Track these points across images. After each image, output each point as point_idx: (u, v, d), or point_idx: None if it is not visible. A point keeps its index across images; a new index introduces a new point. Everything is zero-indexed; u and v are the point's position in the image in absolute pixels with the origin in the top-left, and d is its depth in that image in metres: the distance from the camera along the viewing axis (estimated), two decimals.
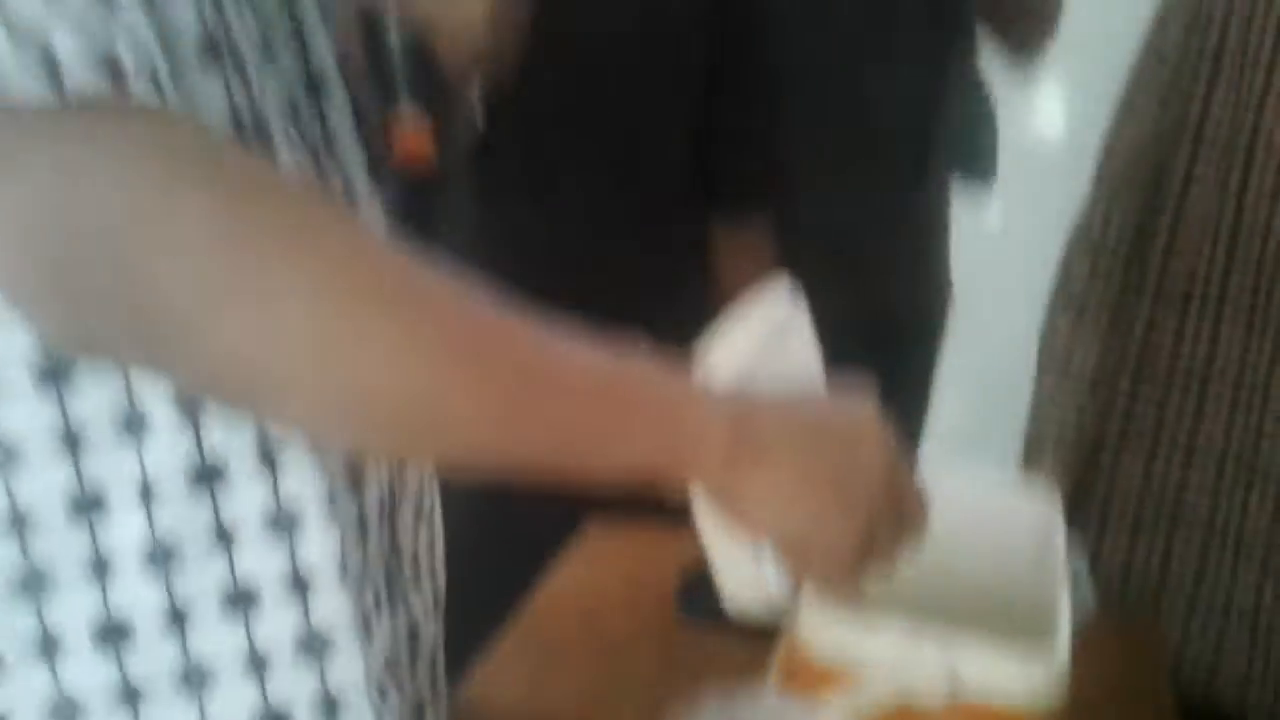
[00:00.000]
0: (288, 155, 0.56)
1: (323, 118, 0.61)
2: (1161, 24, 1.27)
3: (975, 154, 1.59)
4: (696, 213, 1.35)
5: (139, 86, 0.46)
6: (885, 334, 1.55)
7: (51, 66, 0.44)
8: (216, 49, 0.52)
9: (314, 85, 0.60)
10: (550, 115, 1.01)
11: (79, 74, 0.44)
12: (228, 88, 0.52)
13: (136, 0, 0.47)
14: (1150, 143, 1.27)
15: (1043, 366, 1.37)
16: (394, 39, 0.62)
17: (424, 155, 0.61)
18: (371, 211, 0.63)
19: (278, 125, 0.56)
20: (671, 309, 1.05)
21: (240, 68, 0.53)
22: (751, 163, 1.37)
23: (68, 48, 0.44)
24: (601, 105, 1.21)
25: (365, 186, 0.63)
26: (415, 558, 0.66)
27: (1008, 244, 2.20)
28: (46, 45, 0.44)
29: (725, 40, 1.32)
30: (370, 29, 0.61)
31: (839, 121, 1.48)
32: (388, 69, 0.61)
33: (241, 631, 0.55)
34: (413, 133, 0.60)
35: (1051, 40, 1.51)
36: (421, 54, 0.61)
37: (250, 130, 0.53)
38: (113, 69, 0.45)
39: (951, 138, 1.54)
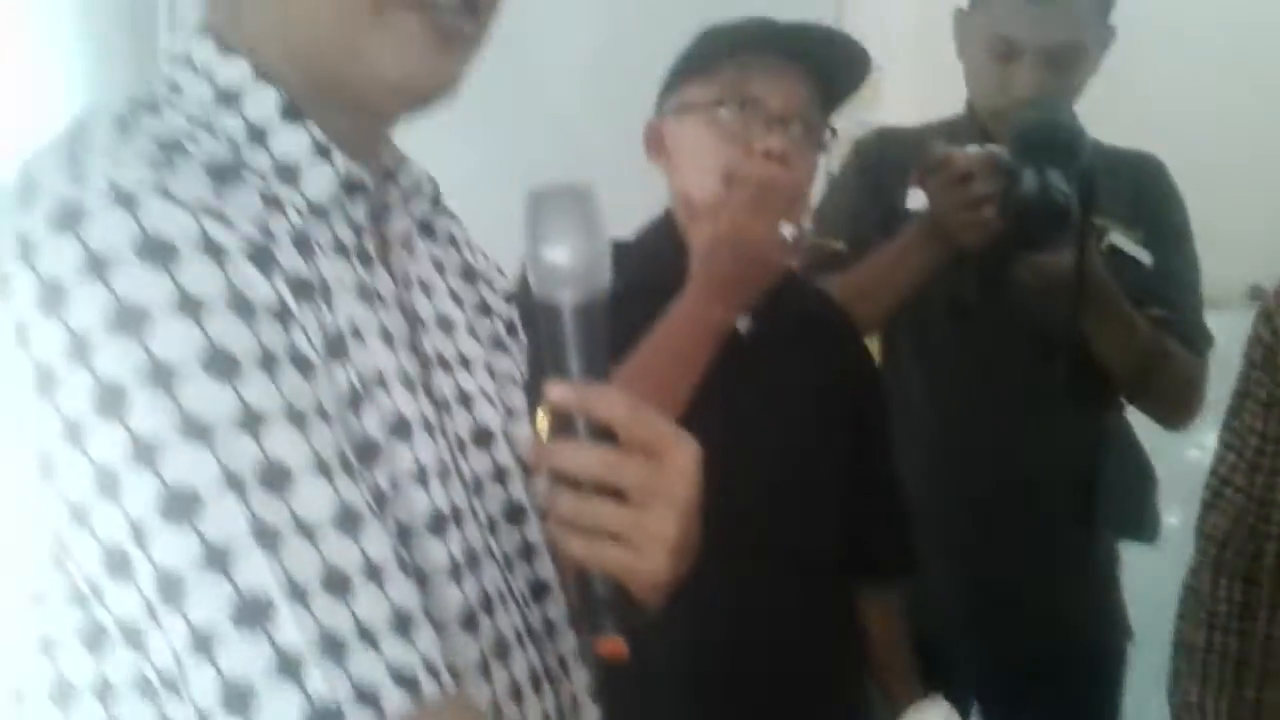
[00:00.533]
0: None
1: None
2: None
3: (1135, 512, 1.69)
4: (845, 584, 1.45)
5: (429, 688, 0.60)
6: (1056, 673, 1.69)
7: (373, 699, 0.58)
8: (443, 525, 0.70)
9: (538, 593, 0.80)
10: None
11: (394, 700, 0.58)
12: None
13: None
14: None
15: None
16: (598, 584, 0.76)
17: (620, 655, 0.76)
18: None
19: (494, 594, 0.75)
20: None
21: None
22: (895, 533, 1.47)
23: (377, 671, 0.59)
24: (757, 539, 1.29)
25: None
26: None
27: None
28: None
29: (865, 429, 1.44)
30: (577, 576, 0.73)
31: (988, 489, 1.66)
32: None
33: None
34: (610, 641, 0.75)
35: (1194, 415, 1.66)
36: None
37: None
38: (411, 684, 0.59)
39: (1109, 497, 1.64)
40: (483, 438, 0.79)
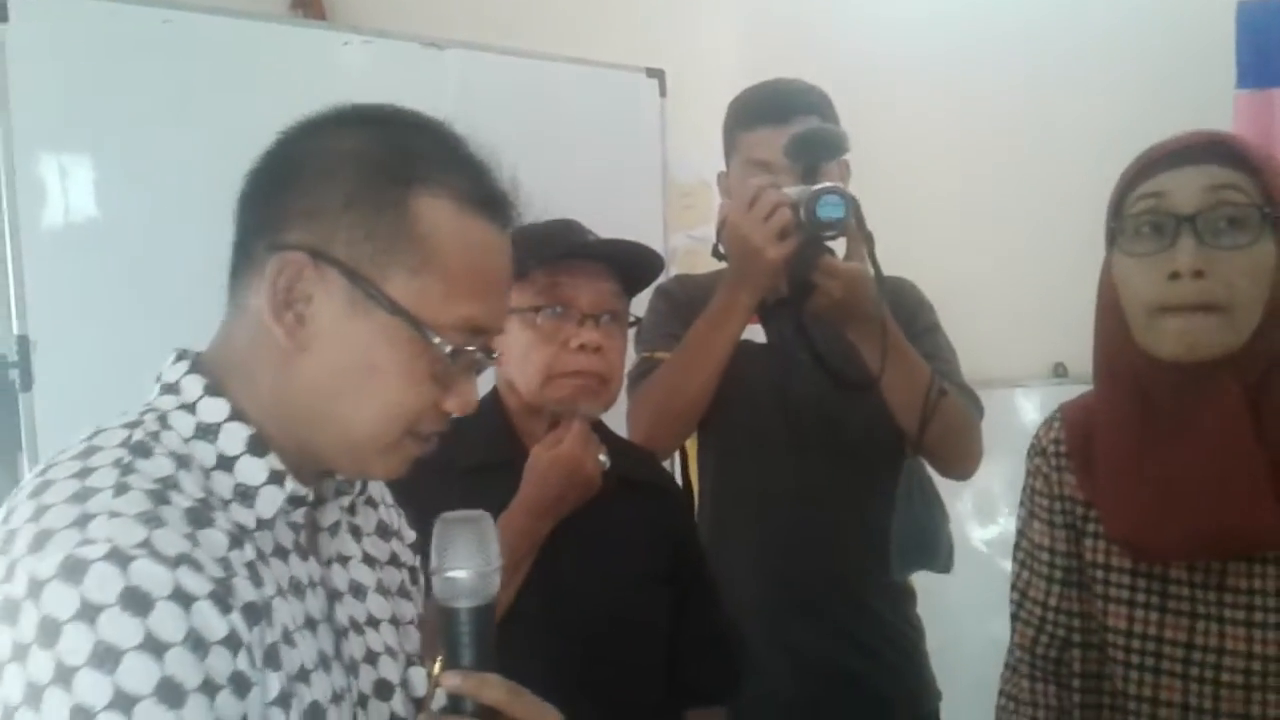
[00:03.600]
0: None
1: None
2: None
3: (931, 545, 1.79)
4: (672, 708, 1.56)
5: None
6: None
7: None
8: None
9: None
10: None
11: None
12: None
13: None
14: None
15: None
16: None
17: None
18: None
19: None
20: None
21: None
22: (721, 661, 1.60)
23: None
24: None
25: None
26: None
27: None
28: None
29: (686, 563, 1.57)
30: None
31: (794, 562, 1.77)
32: None
33: None
34: None
35: (976, 465, 1.77)
36: None
37: None
38: None
39: (906, 533, 1.74)
40: (384, 691, 0.95)
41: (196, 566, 0.77)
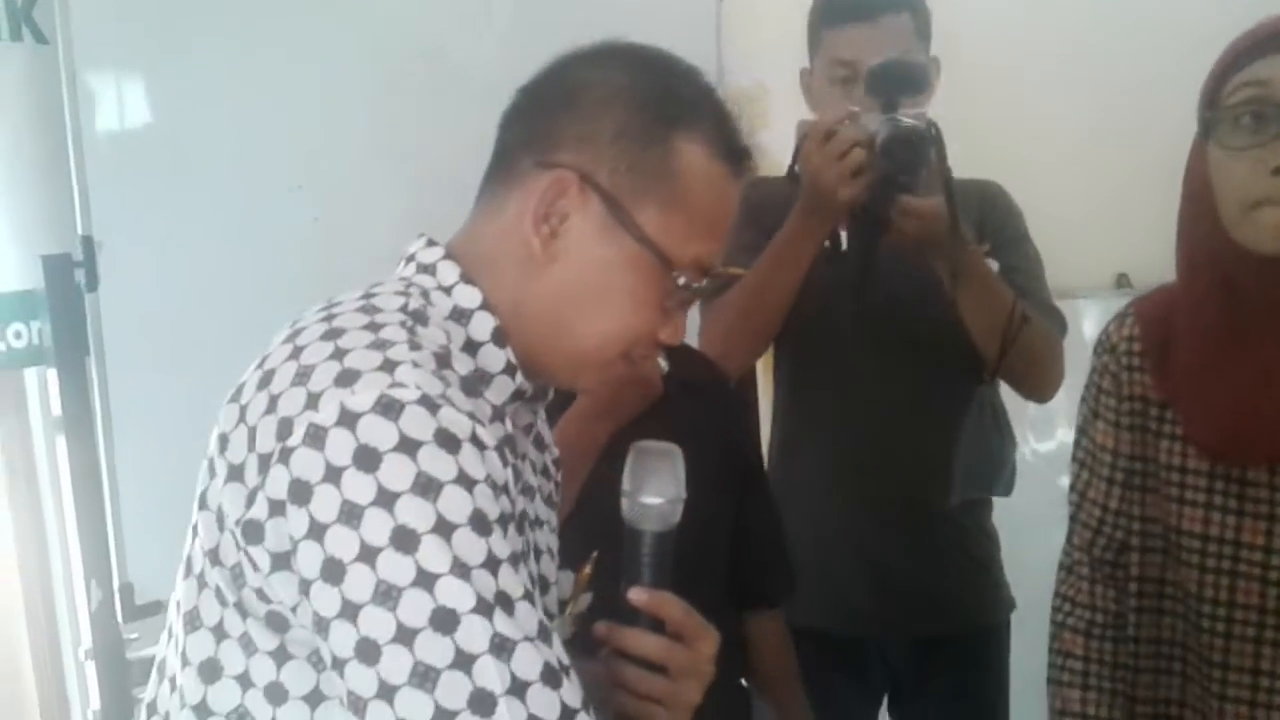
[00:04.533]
0: None
1: None
2: None
3: (993, 470, 1.83)
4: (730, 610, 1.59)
5: None
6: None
7: None
8: None
9: None
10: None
11: None
12: None
13: None
14: None
15: None
16: None
17: None
18: None
19: None
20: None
21: None
22: (778, 564, 1.66)
23: None
24: None
25: None
26: None
27: None
28: None
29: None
30: None
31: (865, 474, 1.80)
32: None
33: None
34: None
35: (1056, 387, 1.78)
36: None
37: None
38: None
39: (970, 456, 1.78)
40: (545, 586, 1.04)
41: (482, 424, 0.84)
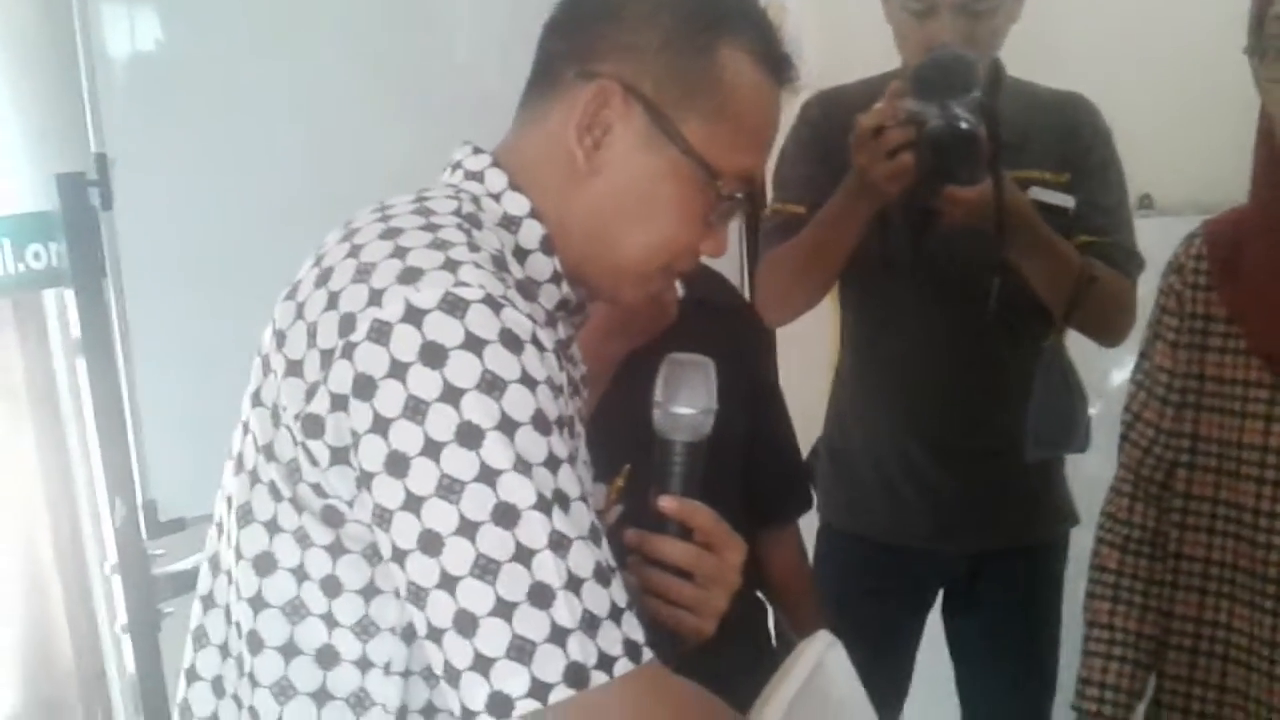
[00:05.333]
0: None
1: None
2: None
3: (1068, 428, 1.79)
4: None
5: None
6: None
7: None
8: None
9: None
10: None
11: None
12: None
13: None
14: None
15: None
16: None
17: None
18: None
19: None
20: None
21: None
22: (793, 480, 1.70)
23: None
24: None
25: None
26: None
27: None
28: None
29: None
30: None
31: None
32: None
33: None
34: None
35: (1126, 333, 1.77)
36: None
37: None
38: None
39: (1042, 416, 1.76)
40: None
41: (540, 326, 0.85)
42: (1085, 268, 1.67)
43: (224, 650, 0.94)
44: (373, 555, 0.86)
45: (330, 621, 0.88)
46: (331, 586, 0.87)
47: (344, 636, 0.87)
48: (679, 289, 1.44)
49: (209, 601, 0.97)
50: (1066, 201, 1.74)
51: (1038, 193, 1.72)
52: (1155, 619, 1.37)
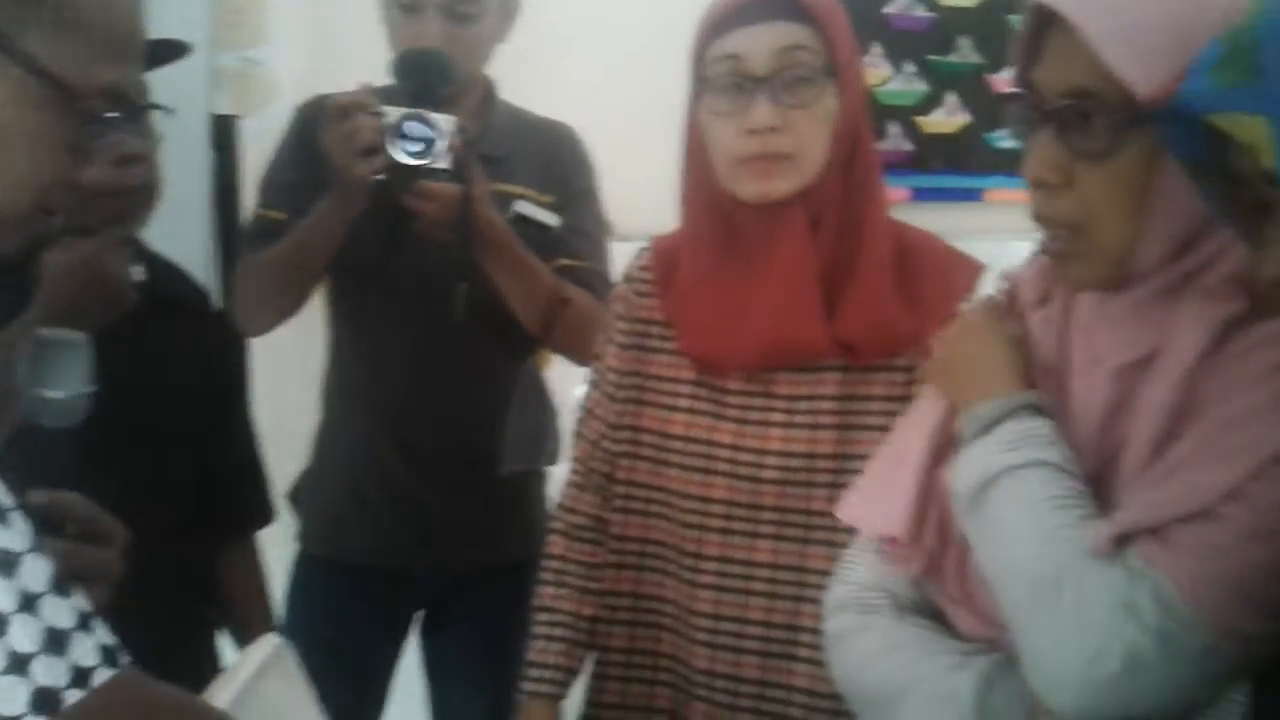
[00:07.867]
0: None
1: None
2: None
3: (537, 442, 1.87)
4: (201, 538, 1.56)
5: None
6: None
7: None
8: None
9: None
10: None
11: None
12: None
13: None
14: None
15: None
16: None
17: None
18: None
19: None
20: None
21: None
22: (251, 492, 1.65)
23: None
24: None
25: None
26: None
27: None
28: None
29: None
30: None
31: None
32: None
33: None
34: None
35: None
36: None
37: None
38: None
39: (515, 430, 1.81)
40: None
41: None
42: (558, 288, 1.71)
43: None
44: None
45: None
46: None
47: None
48: (138, 274, 1.38)
49: None
50: (552, 220, 1.77)
51: (525, 206, 1.76)
52: (595, 600, 1.47)
